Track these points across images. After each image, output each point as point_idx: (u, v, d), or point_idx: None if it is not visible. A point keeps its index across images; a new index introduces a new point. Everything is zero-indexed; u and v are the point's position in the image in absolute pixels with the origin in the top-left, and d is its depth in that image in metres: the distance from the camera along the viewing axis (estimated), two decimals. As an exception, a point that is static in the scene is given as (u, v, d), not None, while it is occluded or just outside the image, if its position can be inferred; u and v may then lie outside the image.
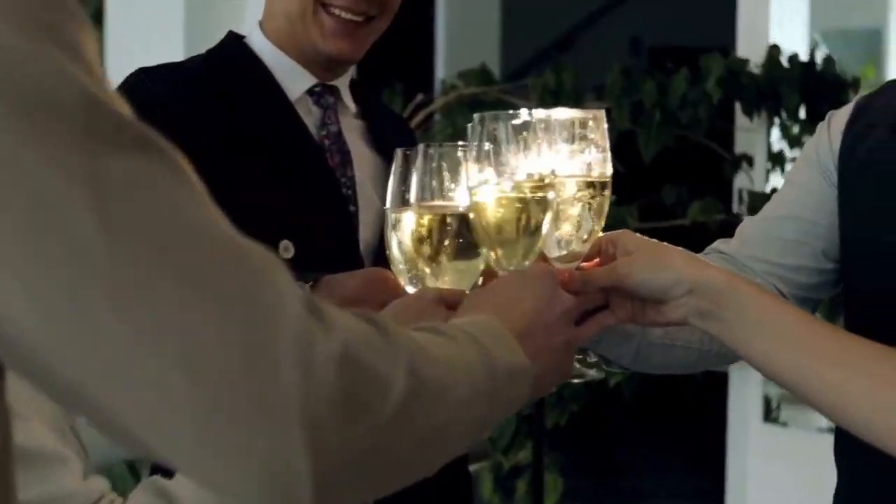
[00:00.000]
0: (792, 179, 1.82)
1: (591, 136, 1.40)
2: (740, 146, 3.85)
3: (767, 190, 3.73)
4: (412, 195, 1.41)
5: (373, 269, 1.55)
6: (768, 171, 3.83)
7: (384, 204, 2.03)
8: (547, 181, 1.32)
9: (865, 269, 1.71)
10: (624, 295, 1.41)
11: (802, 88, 3.48)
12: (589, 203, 1.41)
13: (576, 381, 1.37)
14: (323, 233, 1.97)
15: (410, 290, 1.46)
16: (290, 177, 1.96)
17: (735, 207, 3.81)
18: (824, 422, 4.26)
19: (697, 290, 1.38)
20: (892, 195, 1.70)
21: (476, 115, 1.34)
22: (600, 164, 1.42)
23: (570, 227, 1.40)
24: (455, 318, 1.20)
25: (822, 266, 1.76)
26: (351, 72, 2.11)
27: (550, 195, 1.32)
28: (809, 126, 3.66)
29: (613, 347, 1.57)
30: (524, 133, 1.33)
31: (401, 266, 1.46)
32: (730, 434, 3.97)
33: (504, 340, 1.11)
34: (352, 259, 1.98)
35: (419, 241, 1.39)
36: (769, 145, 3.73)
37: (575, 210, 1.40)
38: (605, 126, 1.42)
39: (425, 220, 1.40)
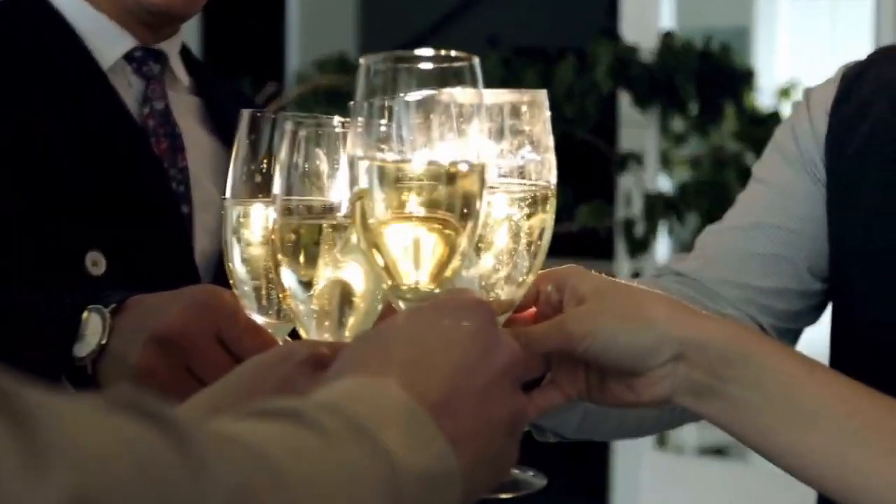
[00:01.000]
0: (763, 177, 1.42)
1: (527, 128, 0.96)
2: (626, 143, 3.49)
3: (665, 190, 3.38)
4: (276, 185, 0.96)
5: (203, 290, 1.09)
6: (657, 171, 3.48)
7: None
8: (470, 166, 0.87)
9: (867, 290, 1.32)
10: (575, 362, 0.96)
11: (698, 79, 3.13)
12: (526, 226, 0.96)
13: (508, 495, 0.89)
14: (146, 241, 1.51)
15: (259, 319, 1.02)
16: (101, 168, 1.49)
17: (621, 211, 3.45)
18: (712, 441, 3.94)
19: (690, 354, 0.93)
20: None
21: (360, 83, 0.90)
22: (540, 168, 0.97)
23: (498, 260, 0.95)
24: (329, 382, 0.76)
25: (807, 287, 1.37)
26: (182, 34, 1.65)
27: (475, 179, 0.87)
28: (703, 121, 3.31)
29: (551, 416, 1.12)
30: (431, 123, 0.88)
31: (245, 287, 1.01)
32: (618, 460, 3.61)
33: (415, 425, 0.69)
34: (185, 275, 1.52)
35: (282, 251, 0.94)
36: (660, 142, 3.38)
37: (503, 236, 0.95)
38: (548, 115, 0.98)
39: (292, 220, 0.95)
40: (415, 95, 0.88)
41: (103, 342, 1.09)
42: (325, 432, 0.63)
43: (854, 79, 1.39)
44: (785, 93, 4.18)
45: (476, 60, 0.89)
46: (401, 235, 0.87)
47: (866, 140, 1.34)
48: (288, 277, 0.93)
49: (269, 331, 1.03)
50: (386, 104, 0.88)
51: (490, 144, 0.92)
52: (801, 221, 1.36)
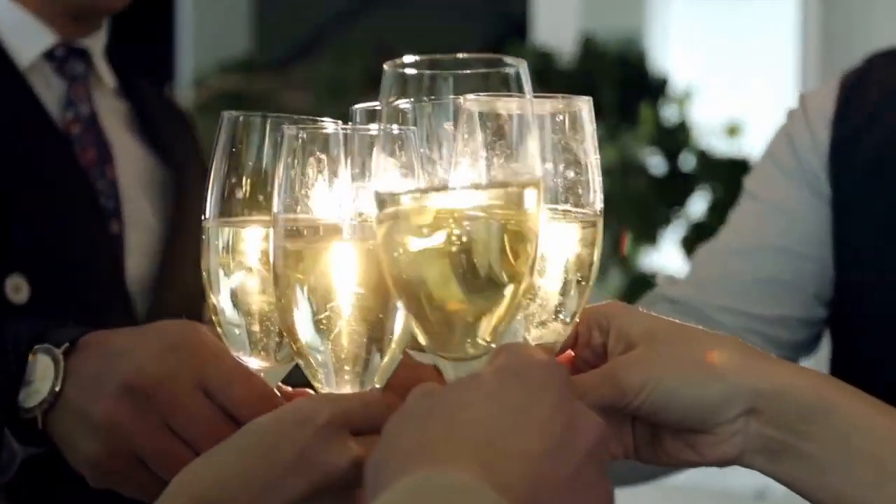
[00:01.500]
0: (759, 193, 1.30)
1: (573, 144, 0.83)
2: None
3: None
4: (275, 202, 0.80)
5: (179, 328, 0.91)
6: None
7: (161, 221, 1.44)
8: (529, 191, 0.73)
9: (875, 324, 1.21)
10: (622, 416, 0.82)
11: (620, 84, 3.03)
12: (572, 258, 0.82)
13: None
14: (72, 263, 1.33)
15: (250, 363, 0.86)
16: (19, 181, 1.31)
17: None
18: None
19: (764, 408, 0.79)
20: None
21: (386, 83, 0.75)
22: (587, 189, 0.83)
23: (542, 298, 0.81)
24: (376, 470, 0.61)
25: (812, 315, 1.25)
26: (106, 29, 1.47)
27: (535, 206, 0.73)
28: (619, 128, 3.22)
29: None
30: (464, 132, 0.74)
31: (233, 325, 0.86)
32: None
33: None
34: (117, 302, 1.35)
35: (287, 283, 0.79)
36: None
37: (548, 270, 0.81)
38: (592, 128, 0.84)
39: (299, 244, 0.79)
40: (452, 106, 0.74)
41: (57, 389, 0.91)
42: None
43: (855, 85, 1.28)
44: (684, 99, 4.11)
45: (524, 66, 0.75)
46: (444, 278, 0.72)
47: (876, 153, 1.23)
48: (297, 316, 0.78)
49: (262, 376, 0.87)
50: (423, 116, 0.73)
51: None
52: (804, 242, 1.25)
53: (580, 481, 0.62)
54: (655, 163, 3.74)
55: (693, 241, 3.54)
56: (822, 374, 0.83)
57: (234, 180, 0.88)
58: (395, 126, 0.74)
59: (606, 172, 3.26)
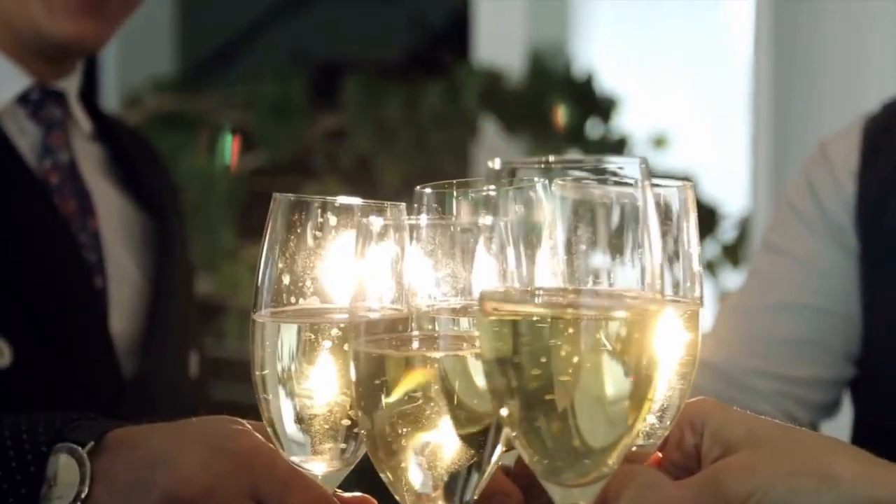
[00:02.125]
0: (782, 246, 1.25)
1: (680, 233, 0.76)
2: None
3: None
4: (356, 291, 0.73)
5: (223, 428, 0.81)
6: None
7: (144, 275, 1.35)
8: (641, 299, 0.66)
9: None
10: None
11: (570, 106, 2.98)
12: (683, 346, 0.76)
13: None
14: (56, 321, 1.24)
15: (315, 468, 0.78)
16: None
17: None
18: None
19: None
20: None
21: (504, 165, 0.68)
22: (693, 279, 0.77)
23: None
24: None
25: (841, 375, 1.21)
26: (80, 70, 1.38)
27: (659, 314, 0.66)
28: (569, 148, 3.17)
29: None
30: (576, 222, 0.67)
31: (296, 429, 0.78)
32: None
33: None
34: (102, 359, 1.26)
35: (374, 393, 0.71)
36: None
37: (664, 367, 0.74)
38: (695, 214, 0.78)
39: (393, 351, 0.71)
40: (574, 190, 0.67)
41: (84, 495, 0.82)
42: None
43: (879, 134, 1.24)
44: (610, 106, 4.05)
45: (645, 162, 0.68)
46: (549, 391, 0.64)
47: None
48: (394, 433, 0.70)
49: (319, 480, 0.79)
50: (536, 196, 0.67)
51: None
52: (832, 299, 1.20)
53: None
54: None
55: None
56: None
57: (289, 268, 0.80)
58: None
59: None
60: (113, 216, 1.34)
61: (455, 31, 4.18)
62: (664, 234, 0.75)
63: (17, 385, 1.19)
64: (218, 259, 2.83)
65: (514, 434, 0.66)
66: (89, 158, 1.36)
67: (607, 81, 4.57)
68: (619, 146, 3.55)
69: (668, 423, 0.76)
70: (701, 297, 0.77)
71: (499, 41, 3.20)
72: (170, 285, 1.37)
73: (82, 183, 1.31)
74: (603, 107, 3.08)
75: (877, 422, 1.19)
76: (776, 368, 1.18)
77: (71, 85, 1.35)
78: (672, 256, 0.75)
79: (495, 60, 3.16)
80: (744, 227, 3.17)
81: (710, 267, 3.07)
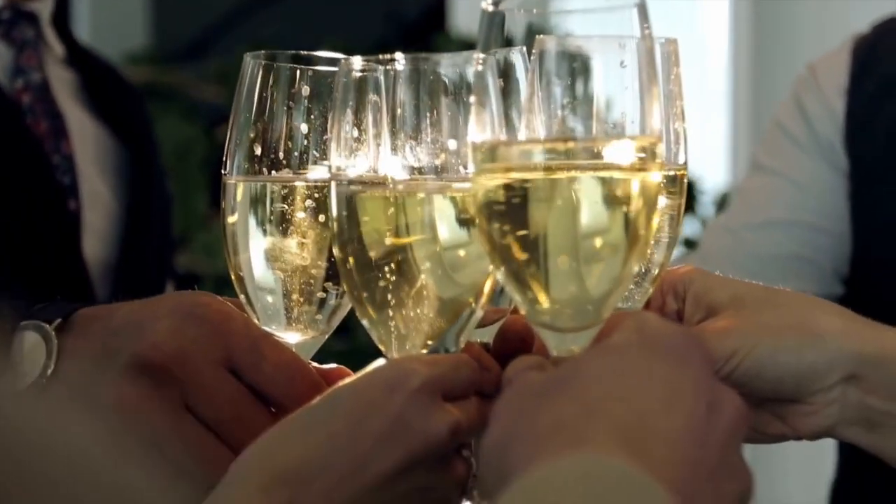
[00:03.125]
0: (771, 166, 1.24)
1: (666, 88, 0.75)
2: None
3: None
4: (334, 156, 0.71)
5: (196, 298, 0.80)
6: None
7: (118, 201, 1.33)
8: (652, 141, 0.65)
9: (891, 298, 1.16)
10: None
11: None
12: (666, 211, 0.75)
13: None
14: (28, 243, 1.22)
15: (289, 338, 0.77)
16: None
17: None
18: None
19: (867, 375, 0.73)
20: None
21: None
22: (679, 141, 0.76)
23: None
24: (502, 451, 0.55)
25: (830, 292, 1.20)
26: (53, -6, 1.36)
27: (656, 157, 0.65)
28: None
29: None
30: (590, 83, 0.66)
31: (269, 297, 0.76)
32: None
33: None
34: (75, 284, 1.24)
35: (362, 242, 0.69)
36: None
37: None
38: (679, 71, 0.76)
39: (374, 203, 0.70)
40: (555, 43, 0.66)
41: (50, 370, 0.79)
42: None
43: (867, 52, 1.23)
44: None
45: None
46: (551, 240, 0.63)
47: (895, 125, 1.18)
48: (372, 275, 0.69)
49: (295, 351, 0.77)
50: (520, 58, 0.65)
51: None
52: (822, 216, 1.20)
53: (724, 467, 0.55)
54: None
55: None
56: None
57: (253, 133, 0.78)
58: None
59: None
60: (86, 141, 1.32)
61: (429, 25, 4.16)
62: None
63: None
64: (193, 227, 2.80)
65: (509, 281, 0.65)
66: (62, 83, 1.34)
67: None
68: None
69: (653, 279, 0.75)
70: (685, 163, 0.76)
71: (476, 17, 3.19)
72: (145, 213, 1.35)
73: (55, 104, 1.29)
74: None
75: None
76: (765, 283, 1.17)
77: (43, 7, 1.33)
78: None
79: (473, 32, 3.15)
80: (723, 202, 3.17)
81: (690, 244, 3.07)
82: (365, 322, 0.71)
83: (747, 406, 0.58)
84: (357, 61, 0.72)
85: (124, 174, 1.35)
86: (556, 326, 0.66)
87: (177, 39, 5.05)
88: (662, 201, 0.74)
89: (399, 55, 0.72)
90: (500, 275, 0.66)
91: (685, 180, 0.76)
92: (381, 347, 0.72)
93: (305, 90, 0.78)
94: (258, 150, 0.78)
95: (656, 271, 0.76)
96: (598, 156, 0.64)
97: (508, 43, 0.67)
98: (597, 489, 0.48)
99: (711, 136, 3.48)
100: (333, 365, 0.78)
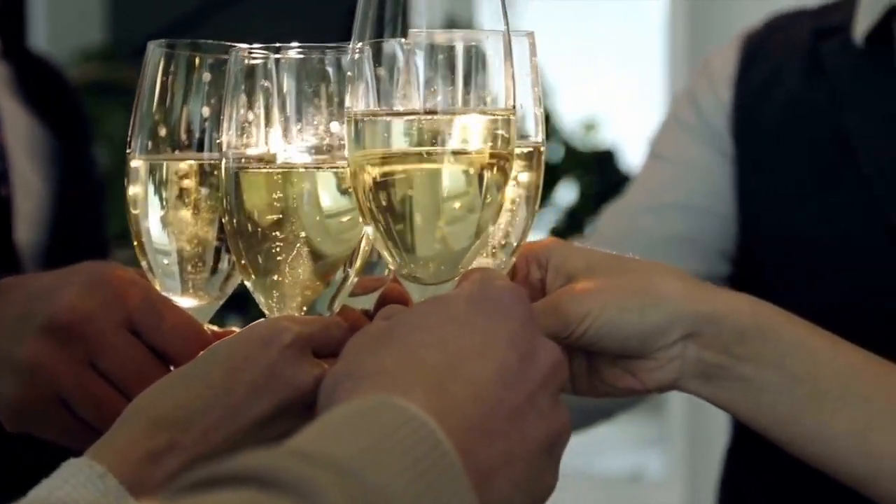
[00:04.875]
0: (663, 152, 1.32)
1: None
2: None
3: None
4: (224, 135, 0.79)
5: (102, 267, 0.87)
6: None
7: (48, 188, 1.39)
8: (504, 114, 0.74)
9: (777, 281, 1.24)
10: (566, 349, 0.81)
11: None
12: (522, 185, 0.83)
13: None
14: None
15: (182, 302, 0.84)
16: None
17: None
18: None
19: (703, 332, 0.80)
20: (826, 159, 1.24)
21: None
22: (530, 120, 0.83)
23: (500, 224, 0.82)
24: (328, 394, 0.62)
25: (715, 271, 1.28)
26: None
27: (510, 128, 0.74)
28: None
29: None
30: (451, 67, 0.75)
31: (165, 260, 0.83)
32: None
33: (443, 484, 0.54)
34: (6, 268, 1.30)
35: (244, 212, 0.77)
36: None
37: (507, 197, 0.81)
38: (535, 60, 0.84)
39: (257, 174, 0.77)
40: (425, 36, 0.73)
41: None
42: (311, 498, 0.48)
43: (756, 45, 1.31)
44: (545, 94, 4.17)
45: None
46: (418, 203, 0.72)
47: (780, 113, 1.26)
48: (252, 242, 0.76)
49: (191, 314, 0.84)
50: (392, 45, 0.73)
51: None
52: (709, 199, 1.28)
53: (533, 410, 0.62)
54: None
55: (565, 228, 3.58)
56: (757, 299, 0.84)
57: (157, 116, 0.85)
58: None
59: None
60: (18, 131, 1.38)
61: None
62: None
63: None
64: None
65: (379, 239, 0.74)
66: (-6, 75, 1.40)
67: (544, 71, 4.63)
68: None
69: (514, 246, 0.82)
70: (543, 141, 0.83)
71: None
72: (75, 199, 1.41)
73: (-15, 94, 1.35)
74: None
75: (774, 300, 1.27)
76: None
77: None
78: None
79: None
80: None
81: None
82: (249, 286, 0.78)
83: (564, 359, 0.66)
84: (248, 49, 0.79)
85: (54, 162, 1.41)
86: (419, 280, 0.74)
87: (133, 38, 5.10)
88: (519, 175, 0.82)
89: (292, 45, 0.79)
90: (371, 233, 0.74)
91: (542, 157, 0.83)
92: (266, 311, 0.79)
93: (204, 76, 0.85)
94: (160, 131, 0.85)
95: (516, 242, 0.83)
96: (457, 131, 0.72)
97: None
98: (371, 425, 0.54)
99: (649, 116, 3.57)
100: (233, 328, 0.85)
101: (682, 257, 1.25)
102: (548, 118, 3.83)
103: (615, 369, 0.83)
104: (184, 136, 0.85)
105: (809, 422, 0.81)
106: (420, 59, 0.74)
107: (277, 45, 0.80)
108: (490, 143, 0.74)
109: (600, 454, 4.20)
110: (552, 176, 3.84)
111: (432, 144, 0.72)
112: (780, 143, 1.25)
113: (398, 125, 0.73)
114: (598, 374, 0.83)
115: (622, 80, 4.85)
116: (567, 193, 3.99)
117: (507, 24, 0.76)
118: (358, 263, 0.79)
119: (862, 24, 1.24)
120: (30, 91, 1.43)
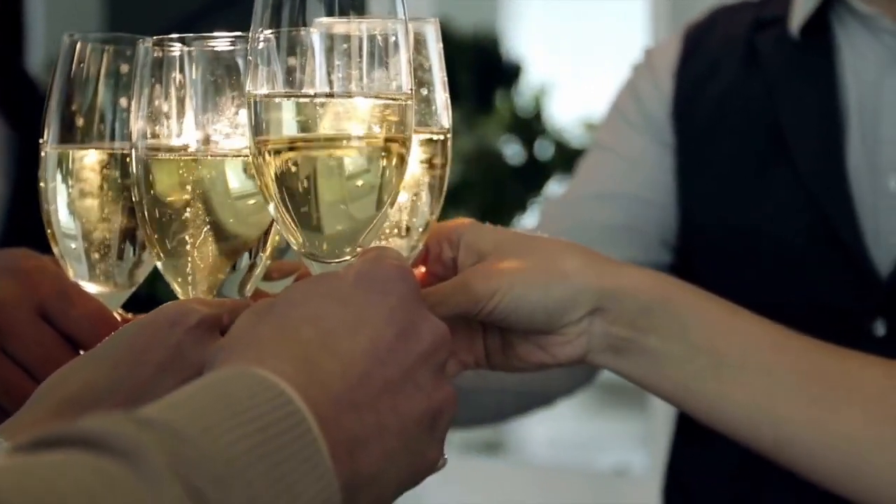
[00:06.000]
0: (607, 144, 1.34)
1: (422, 63, 0.85)
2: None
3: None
4: (134, 120, 0.80)
5: (13, 253, 0.90)
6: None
7: (4, 184, 1.41)
8: (402, 100, 0.75)
9: (711, 270, 1.25)
10: (471, 326, 0.85)
11: (475, 71, 3.06)
12: (429, 169, 0.85)
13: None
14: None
15: (92, 289, 0.86)
16: None
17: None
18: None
19: (608, 307, 0.83)
20: (761, 151, 1.25)
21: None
22: (436, 107, 0.85)
23: (403, 207, 0.84)
24: (211, 360, 0.64)
25: (657, 259, 1.29)
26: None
27: (408, 114, 0.75)
28: (475, 115, 3.25)
29: None
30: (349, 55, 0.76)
31: (72, 243, 0.85)
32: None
33: (295, 435, 0.56)
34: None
35: (152, 198, 0.79)
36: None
37: (412, 181, 0.84)
38: (439, 48, 0.86)
39: (163, 161, 0.79)
40: (328, 23, 0.75)
41: None
42: (135, 468, 0.49)
43: (698, 37, 1.33)
44: (541, 94, 4.19)
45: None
46: (316, 183, 0.74)
47: (718, 103, 1.27)
48: (159, 227, 0.78)
49: (101, 301, 0.86)
50: (294, 34, 0.74)
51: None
52: (650, 189, 1.29)
53: (409, 384, 0.63)
54: (512, 150, 3.80)
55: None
56: (661, 274, 0.86)
57: (74, 107, 0.87)
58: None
59: (464, 159, 3.30)
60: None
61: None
62: (417, 67, 0.83)
63: None
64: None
65: (280, 220, 0.75)
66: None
67: (535, 62, 4.66)
68: (534, 119, 3.63)
69: (421, 229, 0.84)
70: (450, 128, 0.85)
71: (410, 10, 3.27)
72: (30, 194, 1.43)
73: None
74: (508, 73, 3.17)
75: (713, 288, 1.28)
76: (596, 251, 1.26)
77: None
78: (419, 84, 0.83)
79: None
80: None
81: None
82: (161, 269, 0.80)
83: (447, 335, 0.67)
84: (154, 42, 0.81)
85: (12, 157, 1.43)
86: (318, 258, 0.76)
87: (135, 32, 5.14)
88: (419, 156, 0.83)
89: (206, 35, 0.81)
90: (273, 214, 0.76)
91: (448, 142, 0.85)
92: (178, 294, 0.81)
93: (112, 67, 0.87)
94: (74, 121, 0.87)
95: (422, 224, 0.85)
96: (355, 114, 0.74)
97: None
98: (219, 392, 0.56)
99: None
100: (139, 315, 0.87)
101: (619, 245, 1.26)
102: (539, 116, 3.84)
103: (527, 345, 0.84)
104: (89, 126, 0.87)
105: (711, 391, 0.83)
106: (322, 46, 0.76)
107: (191, 34, 0.82)
108: (387, 127, 0.75)
109: (589, 451, 4.22)
110: (544, 172, 3.86)
111: (331, 128, 0.74)
112: (716, 135, 1.27)
113: (297, 107, 0.75)
114: (512, 350, 0.85)
115: (617, 79, 4.86)
116: (560, 189, 4.02)
117: (405, 13, 0.77)
118: (268, 249, 0.81)
119: (798, 16, 1.25)
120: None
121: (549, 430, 4.33)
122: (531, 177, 3.81)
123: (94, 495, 0.47)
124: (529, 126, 3.74)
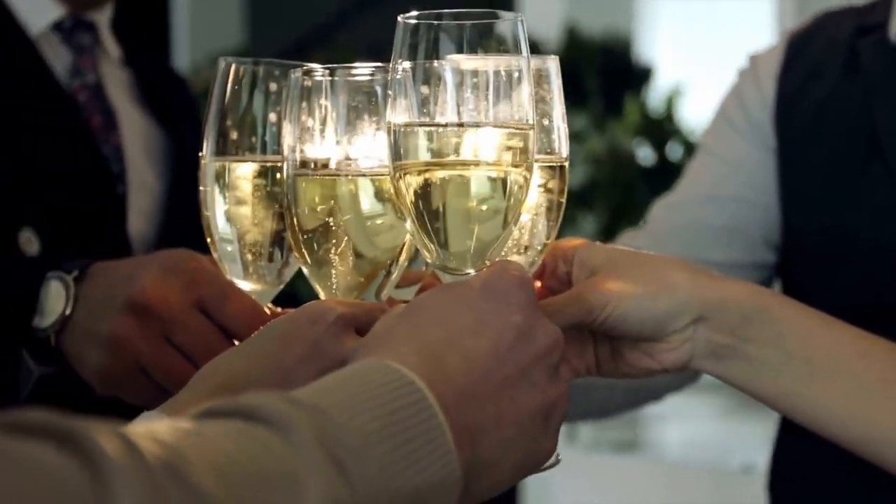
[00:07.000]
0: (712, 148, 1.40)
1: (545, 97, 0.94)
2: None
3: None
4: (286, 141, 0.91)
5: (178, 254, 1.03)
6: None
7: (162, 184, 1.53)
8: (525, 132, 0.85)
9: (815, 271, 1.30)
10: (583, 335, 0.94)
11: (602, 75, 3.12)
12: (548, 194, 0.94)
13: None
14: (80, 220, 1.42)
15: (242, 285, 0.96)
16: (31, 142, 1.40)
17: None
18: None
19: (711, 316, 0.91)
20: (859, 155, 1.30)
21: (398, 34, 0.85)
22: (556, 138, 0.94)
23: (520, 230, 0.94)
24: (352, 356, 0.74)
25: (760, 259, 1.35)
26: (112, 5, 1.56)
27: (530, 144, 0.85)
28: (604, 118, 3.30)
29: None
30: (478, 88, 0.85)
31: (228, 246, 0.96)
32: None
33: (422, 433, 0.65)
34: (119, 257, 1.44)
35: (303, 210, 0.90)
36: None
37: (533, 203, 0.94)
38: (559, 83, 0.95)
39: (312, 178, 0.89)
40: (460, 59, 0.84)
41: (67, 312, 1.01)
42: (286, 437, 0.58)
43: (800, 44, 1.38)
44: (674, 95, 4.21)
45: (521, 19, 0.85)
46: (447, 203, 0.84)
47: (819, 107, 1.33)
48: (310, 239, 0.89)
49: (253, 297, 0.97)
50: (429, 67, 0.83)
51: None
52: (753, 191, 1.35)
53: (526, 381, 0.72)
54: (643, 152, 3.84)
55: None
56: (759, 286, 0.94)
57: (229, 122, 0.97)
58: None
59: (595, 161, 3.35)
60: (135, 132, 1.52)
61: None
62: (538, 100, 0.92)
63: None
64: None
65: (417, 235, 0.85)
66: (116, 82, 1.54)
67: (665, 64, 4.68)
68: (665, 120, 3.66)
69: (540, 248, 0.93)
70: (567, 157, 0.93)
71: (541, 15, 3.35)
72: (184, 194, 1.54)
73: (108, 101, 1.49)
74: (638, 75, 3.22)
75: (801, 296, 1.34)
76: (695, 254, 1.32)
77: (102, 17, 1.53)
78: (543, 120, 0.92)
79: (538, 32, 3.31)
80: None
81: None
82: (307, 273, 0.91)
83: (560, 339, 0.76)
84: (303, 71, 0.90)
85: (167, 160, 1.55)
86: (448, 269, 0.86)
87: (272, 40, 5.31)
88: (539, 181, 0.92)
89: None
90: (410, 229, 0.85)
91: (566, 169, 0.93)
92: (320, 295, 0.91)
93: (262, 87, 0.97)
94: (229, 135, 0.97)
95: (541, 244, 0.93)
96: (485, 143, 0.83)
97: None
98: (358, 380, 0.65)
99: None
100: (290, 309, 0.98)
101: (726, 246, 1.33)
102: (671, 118, 3.87)
103: (635, 352, 0.93)
104: (248, 140, 0.97)
105: (806, 394, 0.90)
106: (453, 80, 0.85)
107: (335, 66, 0.92)
108: (511, 155, 0.84)
109: (717, 449, 4.23)
110: (674, 174, 3.88)
111: (461, 154, 0.83)
112: (815, 139, 1.32)
113: (431, 135, 0.84)
114: (621, 357, 0.93)
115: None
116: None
117: (528, 50, 0.86)
118: (401, 260, 0.90)
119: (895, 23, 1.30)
120: (147, 95, 1.57)
121: (682, 430, 4.36)
122: (661, 178, 3.85)
123: (253, 456, 0.56)
124: (661, 128, 3.77)
